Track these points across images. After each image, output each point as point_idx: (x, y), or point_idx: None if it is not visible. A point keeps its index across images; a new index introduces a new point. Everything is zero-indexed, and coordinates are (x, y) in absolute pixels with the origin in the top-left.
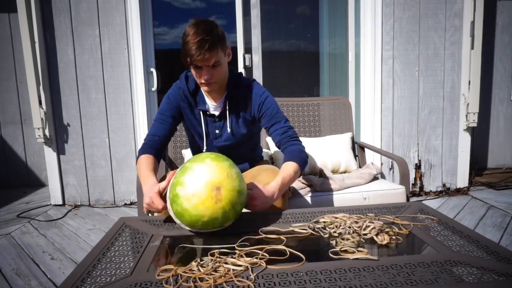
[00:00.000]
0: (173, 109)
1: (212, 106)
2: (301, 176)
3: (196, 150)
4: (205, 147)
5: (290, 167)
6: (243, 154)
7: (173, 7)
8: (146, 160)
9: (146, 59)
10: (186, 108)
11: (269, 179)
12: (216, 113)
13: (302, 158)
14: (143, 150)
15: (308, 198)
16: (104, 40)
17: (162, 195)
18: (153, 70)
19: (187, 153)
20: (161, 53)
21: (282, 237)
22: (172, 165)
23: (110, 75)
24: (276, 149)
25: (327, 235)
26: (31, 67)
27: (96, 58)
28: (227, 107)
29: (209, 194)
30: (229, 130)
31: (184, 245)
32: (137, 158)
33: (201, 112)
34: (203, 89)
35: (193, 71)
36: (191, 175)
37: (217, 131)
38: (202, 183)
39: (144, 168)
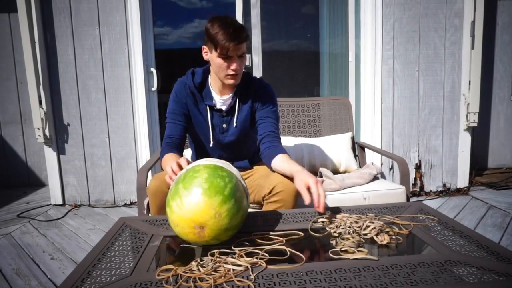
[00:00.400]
0: (182, 106)
1: (220, 101)
2: None
3: (199, 149)
4: (211, 142)
5: (286, 157)
6: (247, 150)
7: (173, 7)
8: (170, 156)
9: (146, 59)
10: (191, 104)
11: (283, 179)
12: (224, 107)
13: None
14: (165, 151)
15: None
16: (104, 40)
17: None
18: (153, 70)
19: (187, 153)
20: (161, 53)
21: (279, 238)
22: None
23: (110, 75)
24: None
25: (327, 235)
26: (31, 67)
27: (96, 58)
28: (237, 103)
29: (190, 230)
30: (235, 124)
31: (184, 245)
32: (161, 159)
33: (207, 107)
34: (229, 82)
35: (220, 62)
36: (178, 205)
37: (224, 126)
38: (185, 218)
39: (169, 159)
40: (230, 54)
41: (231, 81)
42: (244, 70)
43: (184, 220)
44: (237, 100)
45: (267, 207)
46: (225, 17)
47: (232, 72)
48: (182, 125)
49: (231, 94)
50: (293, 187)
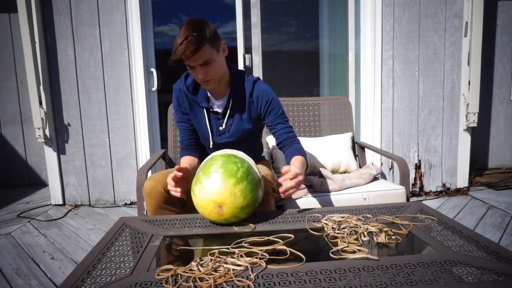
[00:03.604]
0: (183, 112)
1: (216, 103)
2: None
3: (202, 148)
4: (211, 144)
5: (299, 159)
6: (246, 151)
7: (173, 7)
8: (185, 159)
9: (146, 59)
10: (187, 108)
11: (262, 169)
12: (220, 110)
13: (306, 156)
14: (181, 155)
15: (307, 198)
16: (104, 40)
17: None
18: (153, 70)
19: None
20: (161, 53)
21: (271, 237)
22: (172, 165)
23: (110, 75)
24: (276, 147)
25: (327, 235)
26: (31, 67)
27: (96, 58)
28: (231, 104)
29: (211, 210)
30: (232, 127)
31: (183, 247)
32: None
33: (204, 110)
34: (203, 86)
35: (188, 70)
36: (200, 189)
37: (220, 128)
38: (206, 200)
39: (187, 163)
40: (191, 64)
41: (204, 86)
42: (240, 69)
43: (206, 202)
44: (231, 102)
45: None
46: (189, 22)
47: (199, 80)
48: (189, 128)
49: (225, 97)
50: (270, 174)
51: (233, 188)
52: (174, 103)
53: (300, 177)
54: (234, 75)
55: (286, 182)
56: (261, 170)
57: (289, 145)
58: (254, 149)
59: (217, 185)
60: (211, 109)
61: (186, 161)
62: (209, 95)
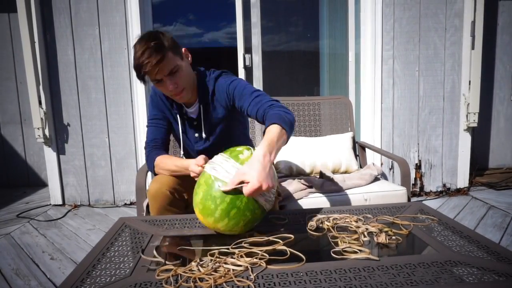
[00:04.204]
0: (161, 111)
1: (189, 110)
2: (302, 177)
3: (185, 152)
4: (181, 152)
5: (271, 130)
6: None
7: (173, 7)
8: (168, 157)
9: None
10: (167, 112)
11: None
12: (194, 116)
13: (283, 118)
14: (153, 154)
15: (308, 199)
16: (104, 40)
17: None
18: None
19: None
20: None
21: (271, 238)
22: None
23: (110, 75)
24: None
25: (327, 235)
26: (31, 67)
27: (96, 58)
28: (201, 111)
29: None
30: (206, 133)
31: (183, 247)
32: (151, 163)
33: (178, 116)
34: (177, 101)
35: (157, 87)
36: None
37: (196, 135)
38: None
39: (174, 159)
40: (157, 78)
41: (178, 99)
42: (202, 69)
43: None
44: (202, 108)
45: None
46: (140, 38)
47: (170, 94)
48: (164, 127)
49: (196, 103)
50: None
51: (213, 226)
52: (150, 101)
53: (245, 177)
54: (200, 78)
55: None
56: None
57: (264, 115)
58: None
59: (201, 218)
60: (185, 116)
61: (175, 158)
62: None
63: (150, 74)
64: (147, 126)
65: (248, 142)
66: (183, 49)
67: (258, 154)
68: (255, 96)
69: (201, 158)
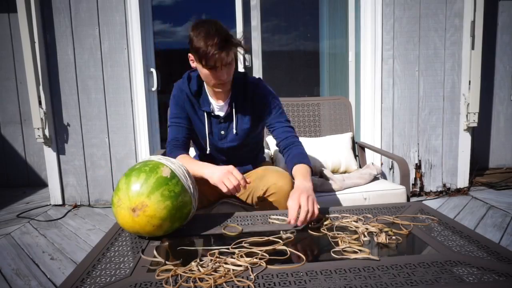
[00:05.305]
0: (183, 110)
1: (217, 107)
2: None
3: (200, 149)
4: (208, 149)
5: (302, 168)
6: (248, 155)
7: (173, 7)
8: (187, 159)
9: (146, 59)
10: (190, 110)
11: (277, 181)
12: (221, 113)
13: (309, 161)
14: (174, 153)
15: None
16: (104, 40)
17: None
18: (153, 70)
19: (191, 153)
20: (161, 53)
21: (271, 238)
22: None
23: (110, 75)
24: (276, 149)
25: (327, 235)
26: (31, 67)
27: (96, 58)
28: (234, 108)
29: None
30: (234, 131)
31: (183, 247)
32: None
33: (205, 114)
34: (217, 89)
35: (207, 72)
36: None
37: (222, 132)
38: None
39: (192, 163)
40: (216, 65)
41: (219, 90)
42: (241, 71)
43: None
44: (234, 106)
45: (261, 208)
46: (209, 24)
47: (220, 82)
48: (186, 127)
49: (227, 100)
50: (286, 189)
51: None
52: (173, 100)
53: (312, 198)
54: (238, 77)
55: (301, 216)
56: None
57: (289, 148)
58: (256, 151)
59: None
60: (212, 113)
61: (190, 158)
62: (210, 99)
63: (212, 61)
64: (168, 126)
65: (261, 148)
66: None
67: (299, 183)
68: (288, 125)
69: (239, 176)
